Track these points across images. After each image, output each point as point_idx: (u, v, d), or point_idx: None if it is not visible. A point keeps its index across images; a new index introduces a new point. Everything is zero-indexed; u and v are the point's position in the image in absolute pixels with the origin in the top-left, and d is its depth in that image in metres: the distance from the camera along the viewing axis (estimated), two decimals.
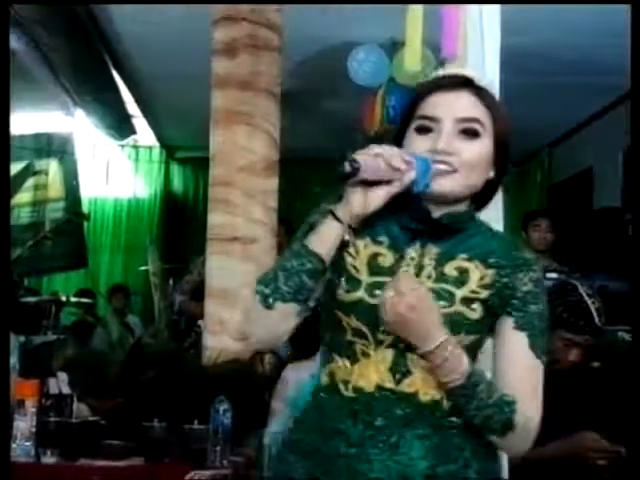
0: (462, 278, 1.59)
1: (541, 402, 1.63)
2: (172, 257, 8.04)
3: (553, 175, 8.85)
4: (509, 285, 1.61)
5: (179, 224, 9.55)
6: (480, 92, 1.63)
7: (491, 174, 1.64)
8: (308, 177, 9.32)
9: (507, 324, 1.61)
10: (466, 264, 1.60)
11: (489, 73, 2.31)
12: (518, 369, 1.60)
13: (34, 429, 3.12)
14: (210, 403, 3.14)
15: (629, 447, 2.26)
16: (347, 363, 1.60)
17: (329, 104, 7.31)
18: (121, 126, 7.80)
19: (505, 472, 2.08)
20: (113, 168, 9.62)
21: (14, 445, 3.10)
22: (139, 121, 8.19)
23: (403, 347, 1.55)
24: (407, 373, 1.56)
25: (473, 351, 1.60)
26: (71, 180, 8.39)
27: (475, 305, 1.58)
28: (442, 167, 1.56)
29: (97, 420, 3.40)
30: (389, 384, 1.56)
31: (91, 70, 6.30)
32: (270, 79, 4.31)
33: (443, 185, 1.57)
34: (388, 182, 1.51)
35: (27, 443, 3.11)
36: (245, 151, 4.22)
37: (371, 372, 1.57)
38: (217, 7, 4.32)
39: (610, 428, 2.67)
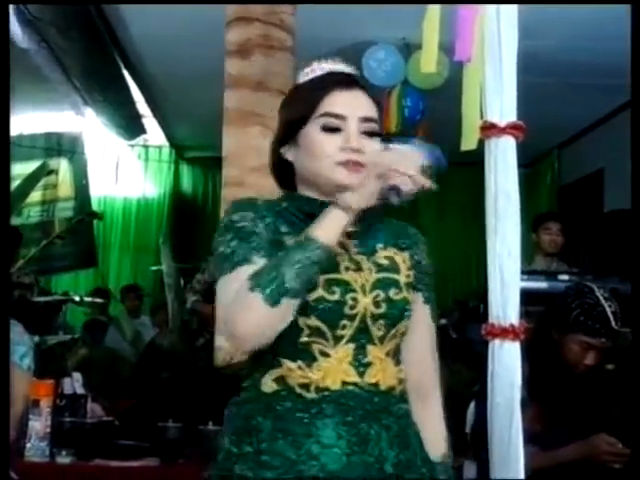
0: (394, 265, 1.68)
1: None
2: (181, 257, 8.04)
3: (563, 176, 8.84)
4: (418, 262, 1.73)
5: (188, 224, 9.55)
6: (367, 91, 1.70)
7: None
8: None
9: (418, 299, 1.72)
10: (388, 252, 1.69)
11: (506, 75, 2.31)
12: (425, 343, 1.75)
13: (49, 429, 3.13)
14: (224, 404, 3.14)
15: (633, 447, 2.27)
16: (302, 365, 1.58)
17: None
18: (131, 126, 7.82)
19: None
20: (123, 167, 9.63)
21: (29, 445, 3.12)
22: (149, 121, 8.20)
23: (362, 340, 1.60)
24: (368, 364, 1.60)
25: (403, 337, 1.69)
26: (81, 179, 8.41)
27: (411, 290, 1.68)
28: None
29: (111, 420, 3.40)
30: (354, 378, 1.58)
31: (102, 70, 6.31)
32: (283, 80, 4.31)
33: (353, 180, 1.59)
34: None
35: (42, 443, 3.12)
36: (258, 152, 4.22)
37: (335, 370, 1.58)
38: (230, 8, 4.32)
39: (625, 431, 2.67)
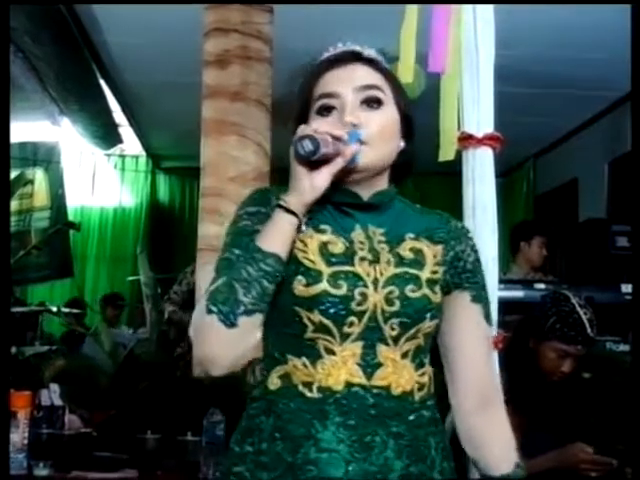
0: (419, 259, 1.54)
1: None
2: (158, 266, 8.00)
3: (539, 186, 8.89)
4: (458, 258, 1.60)
5: (165, 234, 9.52)
6: (372, 63, 1.59)
7: (402, 144, 1.59)
8: None
9: (463, 298, 1.60)
10: (417, 244, 1.56)
11: (483, 87, 2.33)
12: (477, 342, 1.62)
13: (26, 441, 3.11)
14: (203, 415, 3.14)
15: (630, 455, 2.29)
16: (307, 362, 1.48)
17: None
18: (107, 135, 7.78)
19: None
20: (99, 177, 9.59)
21: None
22: (125, 130, 8.17)
23: (372, 339, 1.48)
24: (378, 366, 1.48)
25: (430, 338, 1.56)
26: (57, 189, 8.36)
27: (437, 287, 1.54)
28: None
29: (89, 432, 3.38)
30: (360, 379, 1.46)
31: (78, 79, 6.28)
32: (261, 90, 4.32)
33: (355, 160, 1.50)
34: (327, 161, 1.44)
35: (19, 455, 3.08)
36: (236, 162, 4.23)
37: (339, 369, 1.46)
38: (208, 19, 4.32)
39: (601, 438, 2.69)
